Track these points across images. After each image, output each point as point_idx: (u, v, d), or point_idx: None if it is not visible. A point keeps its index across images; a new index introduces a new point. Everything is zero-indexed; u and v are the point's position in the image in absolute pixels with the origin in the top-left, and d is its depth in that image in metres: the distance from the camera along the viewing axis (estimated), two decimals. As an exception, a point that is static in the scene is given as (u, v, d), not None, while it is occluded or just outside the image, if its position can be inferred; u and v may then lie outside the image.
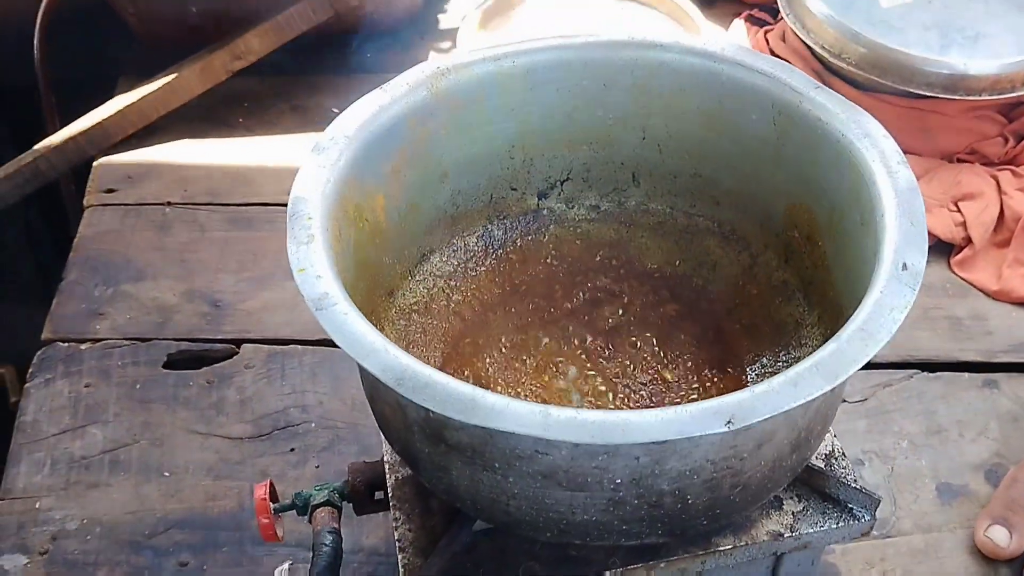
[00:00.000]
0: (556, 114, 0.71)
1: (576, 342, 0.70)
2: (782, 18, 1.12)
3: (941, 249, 1.01)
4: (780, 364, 0.66)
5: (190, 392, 0.92)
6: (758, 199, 0.70)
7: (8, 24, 1.25)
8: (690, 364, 0.68)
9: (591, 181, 0.74)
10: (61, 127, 1.15)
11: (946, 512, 0.82)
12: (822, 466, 0.64)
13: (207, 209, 1.09)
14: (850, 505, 0.62)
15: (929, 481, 0.84)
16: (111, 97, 1.17)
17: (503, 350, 0.69)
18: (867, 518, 0.62)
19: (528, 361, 0.68)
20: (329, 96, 1.22)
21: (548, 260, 0.74)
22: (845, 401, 0.89)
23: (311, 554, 0.65)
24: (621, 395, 0.67)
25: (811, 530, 0.62)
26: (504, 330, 0.70)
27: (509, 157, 0.72)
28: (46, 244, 1.55)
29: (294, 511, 0.68)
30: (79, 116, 1.14)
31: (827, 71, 1.08)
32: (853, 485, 0.62)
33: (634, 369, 0.68)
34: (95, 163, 1.14)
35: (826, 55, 1.06)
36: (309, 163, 0.60)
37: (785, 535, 0.61)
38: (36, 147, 1.12)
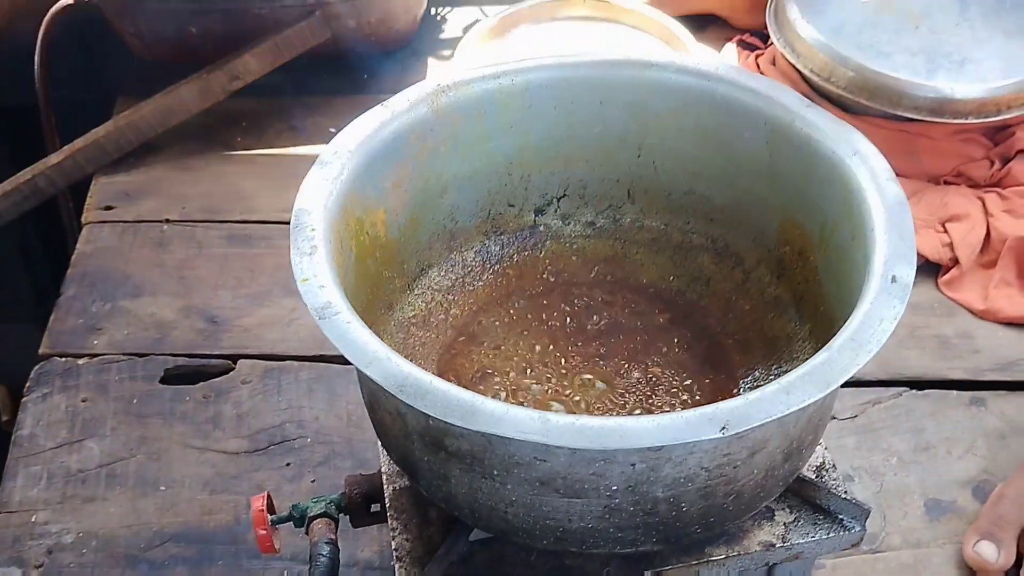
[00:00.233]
0: (554, 131, 0.72)
1: (571, 356, 0.71)
2: (772, 43, 1.14)
3: (929, 269, 1.02)
4: (772, 378, 0.67)
5: (187, 407, 0.93)
6: (751, 216, 0.71)
7: (8, 43, 1.27)
8: (684, 378, 0.69)
9: (587, 198, 0.76)
10: (61, 146, 1.17)
11: (935, 528, 0.83)
12: (813, 477, 0.65)
13: (205, 226, 1.10)
14: (840, 516, 0.63)
15: (918, 497, 0.85)
16: (110, 116, 1.19)
17: (500, 363, 0.70)
18: (857, 529, 0.63)
19: (524, 374, 0.69)
20: (326, 117, 1.23)
21: (544, 275, 0.76)
22: (835, 418, 0.90)
23: (308, 566, 0.65)
24: (614, 407, 0.67)
25: (802, 540, 0.63)
26: (501, 344, 0.71)
27: (507, 173, 0.73)
28: (41, 262, 1.55)
29: (291, 523, 0.69)
30: (79, 135, 1.15)
31: (816, 94, 1.10)
32: (843, 496, 0.63)
33: (627, 382, 0.69)
34: (94, 180, 1.15)
35: (815, 79, 1.08)
36: (312, 176, 0.62)
37: (777, 545, 0.62)
38: (35, 165, 1.12)
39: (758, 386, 0.66)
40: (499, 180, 0.74)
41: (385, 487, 0.67)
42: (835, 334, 0.55)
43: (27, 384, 0.94)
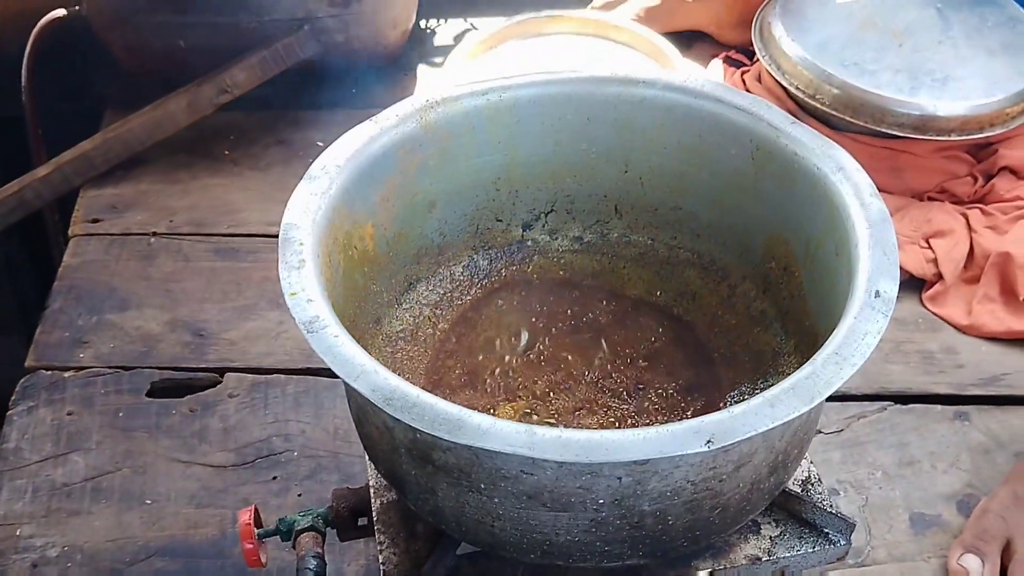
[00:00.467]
0: (541, 147, 0.72)
1: (558, 371, 0.71)
2: (758, 60, 1.15)
3: (913, 285, 1.03)
4: (758, 392, 0.67)
5: (173, 420, 0.92)
6: (737, 231, 0.72)
7: (-4, 56, 1.27)
8: (670, 392, 0.70)
9: (575, 213, 0.76)
10: (48, 158, 1.16)
11: (919, 542, 0.83)
12: (799, 491, 0.65)
13: (192, 239, 1.10)
14: (826, 530, 0.64)
15: (902, 511, 0.86)
16: (98, 129, 1.18)
17: (488, 377, 0.70)
18: (842, 543, 0.63)
19: (511, 387, 0.69)
20: (315, 130, 1.24)
21: (532, 290, 0.76)
22: (820, 432, 0.90)
23: (295, 579, 0.65)
24: (602, 420, 0.68)
25: (788, 554, 0.63)
26: (488, 358, 0.71)
27: (495, 188, 0.74)
28: (26, 275, 1.55)
29: (278, 537, 0.69)
30: (66, 147, 1.15)
31: (802, 111, 1.11)
32: (829, 510, 0.63)
33: (614, 396, 0.69)
34: (81, 193, 1.15)
35: (801, 96, 1.09)
36: (301, 191, 0.62)
37: (763, 559, 0.63)
38: (22, 177, 1.12)
39: (744, 400, 0.67)
40: (487, 195, 0.74)
41: (372, 501, 0.67)
42: (820, 349, 0.56)
43: (12, 397, 0.94)
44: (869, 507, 0.86)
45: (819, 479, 0.67)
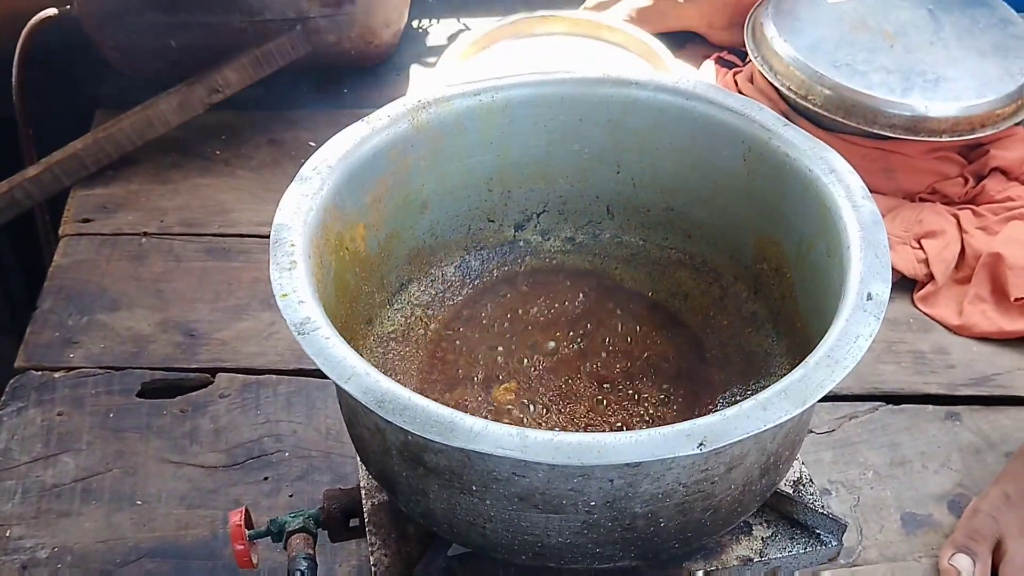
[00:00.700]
0: (533, 148, 0.72)
1: (550, 371, 0.71)
2: (750, 60, 1.15)
3: (904, 285, 1.03)
4: (750, 393, 0.67)
5: (164, 421, 0.92)
6: (728, 232, 0.72)
7: (-15, 55, 1.26)
8: (661, 393, 0.70)
9: (567, 213, 0.76)
10: (38, 159, 1.16)
11: (911, 542, 0.84)
12: (790, 492, 0.65)
13: (183, 239, 1.10)
14: (817, 531, 0.64)
15: (894, 511, 0.86)
16: (88, 129, 1.18)
17: (479, 378, 0.70)
18: (834, 543, 0.64)
19: (503, 387, 0.69)
20: (306, 130, 1.24)
21: (524, 291, 0.76)
22: (812, 432, 0.90)
23: (286, 581, 0.65)
24: (594, 420, 0.68)
25: (780, 555, 0.63)
26: (481, 358, 0.71)
27: (487, 189, 0.73)
28: (15, 274, 1.54)
29: (269, 538, 0.69)
30: (57, 147, 1.15)
31: (793, 112, 1.11)
32: (820, 511, 0.63)
33: (605, 397, 0.69)
34: (72, 193, 1.15)
35: (793, 96, 1.09)
36: (292, 192, 0.62)
37: (755, 560, 0.63)
38: (12, 177, 1.12)
39: (736, 401, 0.67)
40: (479, 196, 0.74)
41: (364, 502, 0.67)
42: (811, 350, 0.56)
43: (2, 398, 0.93)
44: (860, 507, 0.86)
45: (811, 480, 0.67)
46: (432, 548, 0.62)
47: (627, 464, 0.49)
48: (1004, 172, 1.08)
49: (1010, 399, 0.94)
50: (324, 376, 0.97)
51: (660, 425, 0.66)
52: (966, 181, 1.08)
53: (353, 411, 0.59)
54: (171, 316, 1.01)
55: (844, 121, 1.05)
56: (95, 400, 0.93)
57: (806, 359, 0.52)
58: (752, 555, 0.63)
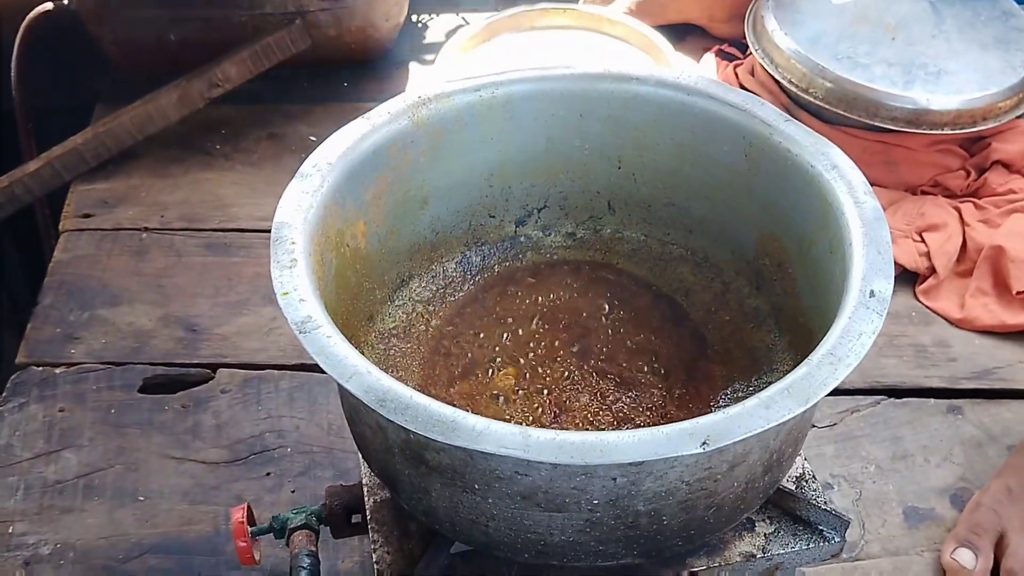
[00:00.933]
0: (534, 143, 0.72)
1: (552, 365, 0.71)
2: (751, 53, 1.15)
3: (906, 278, 1.03)
4: (752, 389, 0.67)
5: (165, 417, 0.92)
6: (730, 228, 0.72)
7: (-16, 50, 1.26)
8: (663, 389, 0.70)
9: (568, 209, 0.76)
10: (38, 153, 1.16)
11: (913, 535, 0.84)
12: (793, 488, 0.65)
13: (184, 234, 1.10)
14: (820, 527, 0.64)
15: (896, 505, 0.86)
16: (88, 124, 1.18)
17: (481, 374, 0.70)
18: (837, 539, 0.63)
19: (503, 383, 0.69)
20: (306, 124, 1.23)
21: (525, 287, 0.76)
22: (814, 426, 0.90)
23: (289, 577, 0.65)
24: (596, 416, 0.68)
25: (783, 551, 0.63)
26: (482, 354, 0.71)
27: (488, 185, 0.73)
28: (15, 270, 1.54)
29: (271, 534, 0.69)
30: (56, 142, 1.15)
31: (795, 105, 1.11)
32: (823, 507, 0.63)
33: (606, 392, 0.69)
34: (72, 188, 1.14)
35: (794, 89, 1.08)
36: (292, 189, 0.62)
37: (757, 556, 0.63)
38: (12, 172, 1.12)
39: (738, 397, 0.67)
40: (480, 192, 0.74)
41: (366, 499, 0.67)
42: (814, 346, 0.56)
43: (3, 393, 0.93)
44: (863, 501, 0.86)
45: (813, 476, 0.67)
46: (434, 546, 0.62)
47: (630, 463, 0.49)
48: (1006, 165, 1.08)
49: (1012, 392, 0.94)
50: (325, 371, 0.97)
51: (661, 422, 0.67)
52: (968, 174, 1.08)
53: (355, 409, 0.59)
54: (172, 311, 1.01)
55: (845, 114, 1.05)
56: (96, 396, 0.93)
57: (809, 356, 0.52)
58: (755, 552, 0.63)
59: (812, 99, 1.07)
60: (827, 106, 1.06)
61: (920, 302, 1.02)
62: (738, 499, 0.56)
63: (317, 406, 0.93)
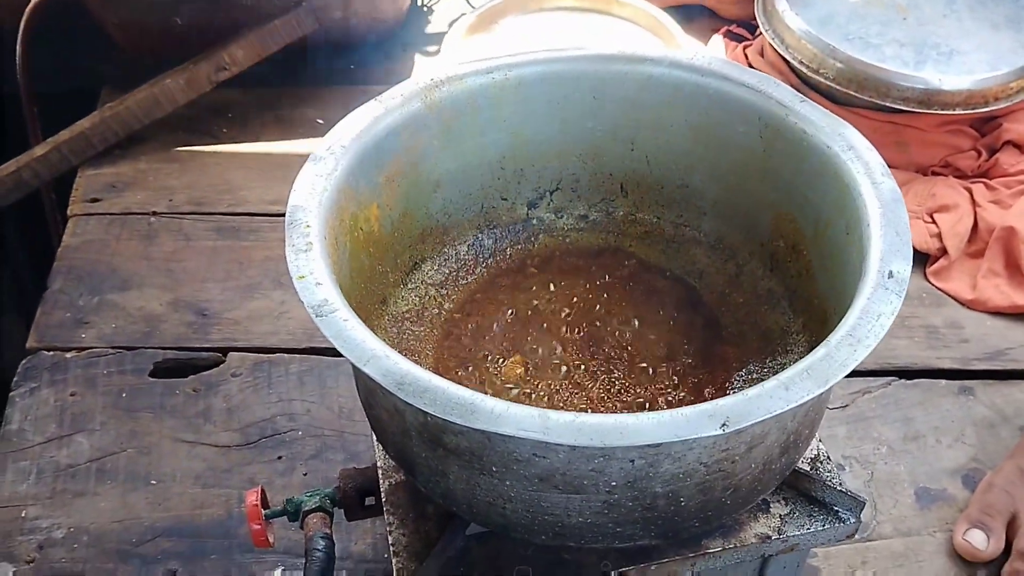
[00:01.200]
0: (547, 125, 0.72)
1: (563, 349, 0.71)
2: (760, 34, 1.14)
3: (917, 259, 1.01)
4: (767, 371, 0.67)
5: (177, 400, 0.92)
6: (744, 210, 0.71)
7: (-11, 34, 1.25)
8: (676, 371, 0.69)
9: (580, 191, 0.76)
10: (43, 138, 1.15)
11: (925, 516, 0.84)
12: (808, 470, 0.65)
13: (192, 218, 1.09)
14: (836, 508, 0.64)
15: (908, 486, 0.86)
16: (93, 108, 1.17)
17: (495, 356, 0.70)
18: (852, 520, 0.63)
19: (519, 365, 0.69)
20: (313, 107, 1.23)
21: (537, 269, 0.75)
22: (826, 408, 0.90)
23: (303, 560, 0.65)
24: (610, 397, 0.67)
25: (798, 532, 0.63)
26: (495, 336, 0.71)
27: (500, 167, 0.73)
28: (21, 255, 1.54)
29: (285, 517, 0.69)
30: (62, 127, 1.14)
31: (805, 86, 1.10)
32: (839, 488, 0.63)
33: (620, 374, 0.69)
34: (79, 172, 1.14)
35: (804, 70, 1.08)
36: (306, 172, 0.61)
37: (773, 537, 0.63)
38: (19, 157, 1.11)
39: (752, 379, 0.67)
40: (492, 174, 0.73)
41: (381, 482, 0.67)
42: (829, 327, 0.55)
43: (14, 378, 0.93)
44: (875, 482, 0.86)
45: (828, 457, 0.67)
46: (450, 528, 0.62)
47: (648, 444, 0.49)
48: (1017, 145, 1.07)
49: (1023, 373, 0.94)
50: (336, 355, 0.97)
51: (675, 403, 0.67)
52: (979, 154, 1.08)
53: (371, 393, 0.59)
54: (182, 296, 1.01)
55: (856, 95, 1.04)
56: (108, 380, 0.94)
57: (827, 338, 0.52)
58: (770, 533, 0.63)
59: (823, 80, 1.06)
60: (838, 87, 1.05)
61: (931, 283, 1.02)
62: (755, 480, 0.56)
63: (327, 389, 0.93)
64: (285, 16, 1.15)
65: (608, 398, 0.67)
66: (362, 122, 0.65)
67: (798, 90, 1.09)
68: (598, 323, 0.72)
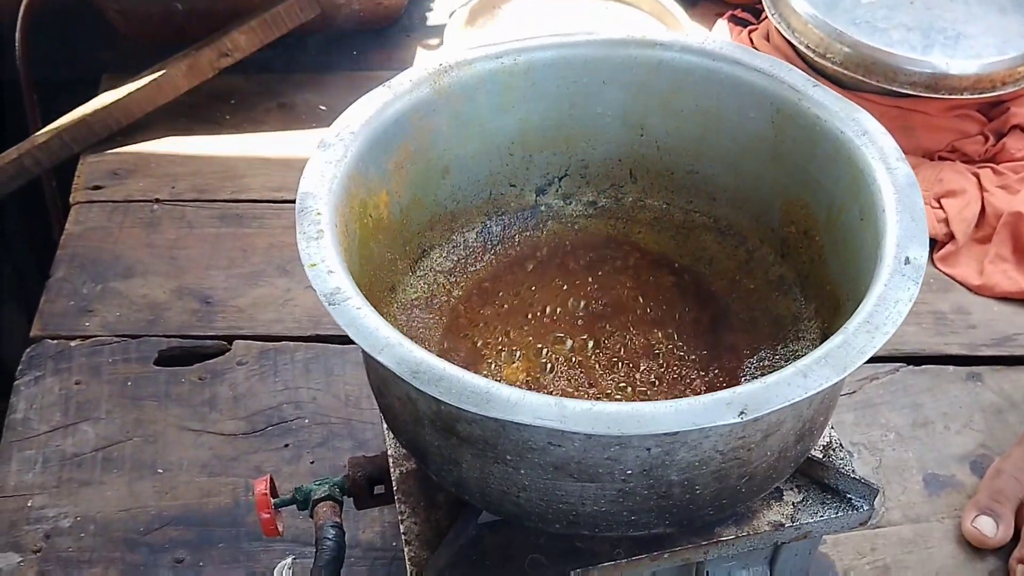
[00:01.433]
0: (556, 111, 0.71)
1: (576, 334, 0.70)
2: (766, 18, 1.13)
3: (924, 245, 1.02)
4: (778, 358, 0.67)
5: (182, 389, 0.92)
6: (755, 195, 0.71)
7: (-11, 20, 1.24)
8: (688, 356, 0.69)
9: (589, 177, 0.75)
10: (43, 125, 1.15)
11: (933, 502, 0.84)
12: (821, 457, 0.65)
13: (196, 205, 1.09)
14: (849, 495, 0.64)
15: (916, 472, 0.86)
16: (93, 95, 1.17)
17: (503, 344, 0.69)
18: (865, 508, 0.63)
19: (528, 353, 0.69)
20: (316, 93, 1.22)
21: (545, 256, 0.75)
22: (834, 395, 0.90)
23: (314, 549, 0.65)
24: (622, 385, 0.67)
25: (811, 520, 0.63)
26: (504, 324, 0.71)
27: (509, 153, 0.72)
28: (23, 243, 1.53)
29: (294, 506, 0.69)
30: (62, 114, 1.13)
31: (811, 70, 1.09)
32: (852, 475, 0.63)
33: (630, 361, 0.69)
34: (82, 159, 1.13)
35: (811, 54, 1.07)
36: (316, 159, 0.61)
37: (786, 525, 0.62)
38: (20, 144, 1.11)
39: (764, 366, 0.67)
40: (500, 160, 0.73)
41: (392, 470, 0.66)
42: (841, 314, 0.55)
43: (19, 367, 0.93)
44: (883, 468, 0.86)
45: (840, 444, 0.67)
46: (463, 516, 0.62)
47: (665, 433, 0.48)
48: (1024, 130, 1.07)
49: (1031, 359, 0.94)
50: (342, 342, 0.97)
51: (687, 393, 0.66)
52: (986, 139, 1.07)
53: (384, 381, 0.59)
54: (186, 283, 1.01)
55: (863, 79, 1.04)
56: (112, 368, 0.93)
57: (844, 325, 0.51)
58: (783, 520, 0.63)
59: (829, 64, 1.06)
60: (845, 71, 1.05)
61: (939, 269, 1.01)
62: (770, 468, 0.56)
63: (333, 377, 0.93)
64: (287, 2, 1.15)
65: (616, 386, 0.67)
66: (371, 108, 0.64)
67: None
68: (606, 311, 0.72)
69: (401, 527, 0.63)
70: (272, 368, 0.93)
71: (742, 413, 0.47)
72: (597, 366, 0.69)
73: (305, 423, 0.89)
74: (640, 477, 0.52)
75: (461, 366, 0.50)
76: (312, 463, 0.86)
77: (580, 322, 0.71)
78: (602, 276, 0.74)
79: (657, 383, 0.67)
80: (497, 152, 0.72)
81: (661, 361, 0.69)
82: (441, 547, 0.61)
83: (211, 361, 0.94)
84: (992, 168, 1.05)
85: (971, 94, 1.03)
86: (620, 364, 0.68)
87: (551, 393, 0.66)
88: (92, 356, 0.94)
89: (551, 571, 0.61)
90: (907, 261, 0.53)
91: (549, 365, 0.68)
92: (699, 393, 0.66)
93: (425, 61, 0.68)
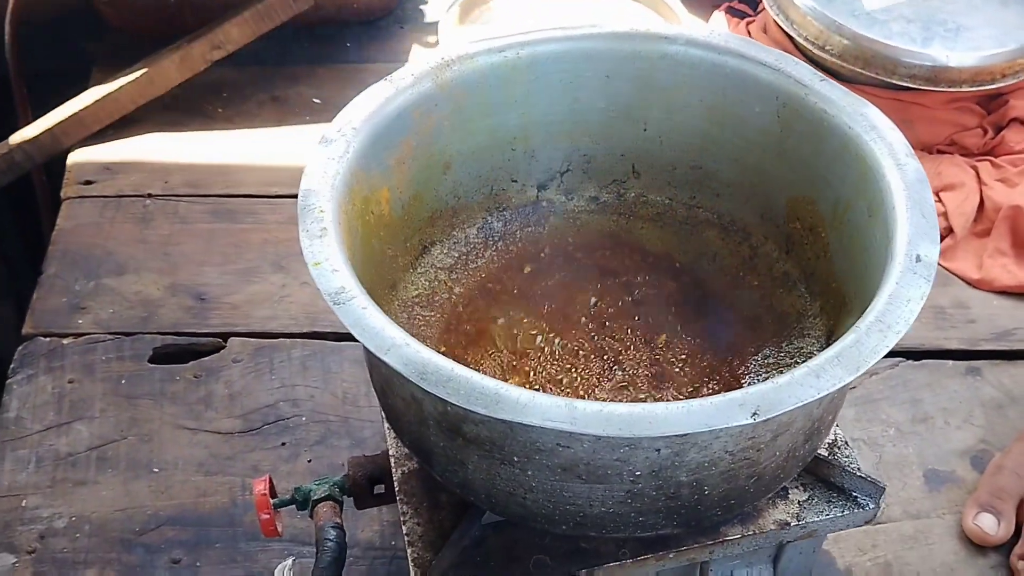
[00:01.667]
0: (558, 105, 0.70)
1: (577, 332, 0.70)
2: (763, 9, 1.13)
3: (923, 239, 1.02)
4: (783, 355, 0.66)
5: (177, 387, 0.91)
6: (759, 191, 0.70)
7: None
8: (691, 354, 0.69)
9: (591, 172, 0.74)
10: (33, 118, 1.13)
11: (934, 498, 0.83)
12: (826, 455, 0.64)
13: (188, 201, 1.07)
14: (854, 494, 0.63)
15: (916, 468, 0.85)
16: (84, 88, 1.15)
17: (506, 342, 0.69)
18: (871, 506, 0.63)
19: (531, 351, 0.68)
20: (309, 86, 1.21)
21: (547, 252, 0.74)
22: (834, 390, 0.90)
23: (315, 550, 0.64)
24: (623, 383, 0.67)
25: (817, 519, 0.62)
26: (506, 322, 0.70)
27: (511, 148, 0.72)
28: (13, 238, 1.51)
29: (293, 506, 0.68)
30: (52, 108, 1.12)
31: (810, 63, 1.08)
32: (858, 474, 0.63)
33: (633, 359, 0.68)
34: (72, 154, 1.12)
35: (809, 47, 1.07)
36: (318, 155, 0.60)
37: (792, 524, 0.62)
38: (10, 138, 1.09)
39: (768, 363, 0.66)
40: (502, 155, 0.72)
41: (393, 470, 0.66)
42: (847, 311, 0.54)
43: (11, 365, 0.92)
44: (883, 464, 0.85)
45: (846, 442, 0.66)
46: (467, 517, 0.61)
47: (676, 433, 0.48)
48: (1023, 123, 1.06)
49: (1031, 353, 0.94)
50: (339, 339, 0.96)
51: (691, 392, 0.66)
52: (985, 132, 1.07)
53: (387, 381, 0.58)
54: (180, 280, 0.99)
55: (863, 72, 1.03)
56: (106, 366, 0.92)
57: (856, 324, 0.51)
58: (789, 519, 0.62)
59: (828, 56, 1.05)
60: (844, 64, 1.04)
61: (938, 263, 1.01)
62: (779, 468, 0.55)
63: (331, 374, 0.92)
64: (281, -7, 1.13)
65: (621, 380, 0.66)
66: (372, 103, 0.63)
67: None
68: (609, 307, 0.71)
69: (404, 528, 0.63)
70: (268, 365, 0.92)
71: (755, 414, 0.46)
72: (599, 363, 0.68)
73: (302, 421, 0.88)
74: (649, 478, 0.52)
75: (463, 364, 0.49)
76: (310, 462, 0.86)
77: (582, 318, 0.71)
78: (604, 271, 0.73)
79: (659, 380, 0.67)
80: (499, 147, 0.72)
81: (664, 358, 0.68)
82: (445, 548, 0.60)
83: (206, 359, 0.93)
84: (991, 161, 1.05)
85: (971, 87, 1.02)
86: (622, 361, 0.68)
87: (552, 392, 0.66)
88: (85, 354, 0.93)
89: (556, 572, 0.61)
90: (918, 259, 0.53)
91: (550, 363, 0.68)
92: (701, 390, 0.66)
93: (426, 55, 0.67)
